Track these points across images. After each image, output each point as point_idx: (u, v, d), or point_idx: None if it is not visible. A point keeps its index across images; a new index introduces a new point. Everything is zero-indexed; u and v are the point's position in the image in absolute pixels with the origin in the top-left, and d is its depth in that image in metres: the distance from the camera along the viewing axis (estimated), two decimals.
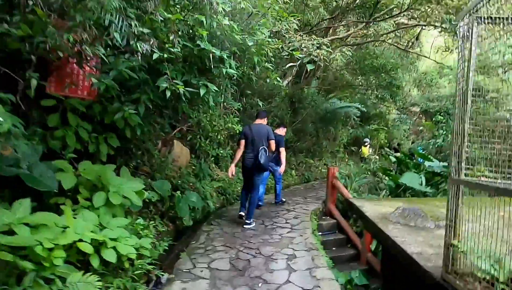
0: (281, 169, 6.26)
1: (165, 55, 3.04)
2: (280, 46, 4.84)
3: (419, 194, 7.41)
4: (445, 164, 8.67)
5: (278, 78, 4.40)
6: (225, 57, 3.45)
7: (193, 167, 7.37)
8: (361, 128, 18.50)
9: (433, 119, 13.74)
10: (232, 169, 5.48)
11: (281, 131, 7.04)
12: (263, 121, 5.53)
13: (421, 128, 12.03)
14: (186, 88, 3.35)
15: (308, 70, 5.59)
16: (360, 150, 14.17)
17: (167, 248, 3.94)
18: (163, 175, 5.89)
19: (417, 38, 19.52)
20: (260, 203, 6.44)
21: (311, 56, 5.20)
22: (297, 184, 10.88)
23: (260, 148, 5.00)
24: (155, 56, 2.98)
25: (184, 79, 3.55)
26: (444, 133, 11.57)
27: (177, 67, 3.56)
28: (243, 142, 5.29)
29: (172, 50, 3.11)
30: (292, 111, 12.59)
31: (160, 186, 4.58)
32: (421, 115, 24.71)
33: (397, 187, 7.35)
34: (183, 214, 4.61)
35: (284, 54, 5.42)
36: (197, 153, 8.09)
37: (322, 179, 12.14)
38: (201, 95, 3.39)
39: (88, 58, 3.15)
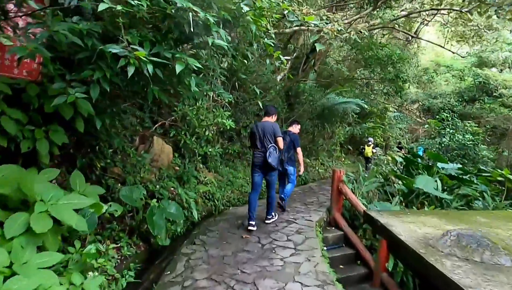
0: (301, 170, 6.08)
1: (120, 8, 2.01)
2: (288, 11, 3.82)
3: (434, 200, 6.53)
4: (460, 166, 7.82)
5: (281, 57, 3.48)
6: (211, 21, 2.43)
7: (177, 168, 6.34)
8: (358, 126, 17.72)
9: (437, 116, 12.94)
10: None
11: (295, 129, 6.43)
12: (271, 118, 5.20)
13: (426, 126, 11.15)
14: (156, 62, 2.32)
15: (317, 49, 4.59)
16: (363, 150, 13.23)
17: (133, 279, 2.92)
18: (137, 178, 4.85)
19: (415, 33, 18.78)
20: (284, 198, 6.15)
21: (321, 33, 4.24)
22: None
23: (269, 146, 4.78)
24: (101, 6, 1.95)
25: (155, 51, 2.52)
26: (451, 131, 10.76)
27: (143, 33, 2.54)
28: (251, 140, 5.17)
29: (133, 2, 2.08)
30: (288, 106, 11.62)
31: (128, 194, 3.55)
32: (418, 113, 24.05)
33: (410, 192, 6.45)
34: (158, 230, 3.60)
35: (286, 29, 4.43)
36: (182, 152, 7.05)
37: (320, 180, 11.18)
38: (177, 72, 2.37)
39: (10, 16, 2.10)
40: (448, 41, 15.26)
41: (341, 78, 11.48)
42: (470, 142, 10.18)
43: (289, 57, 12.46)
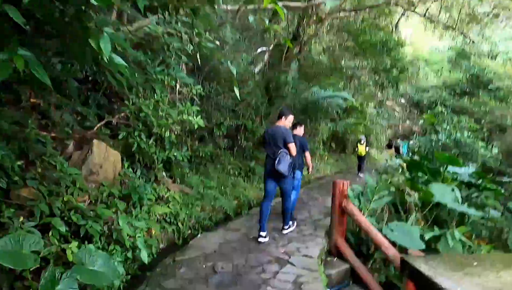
0: (309, 172, 5.88)
1: None
2: None
3: (452, 216, 5.34)
4: (473, 169, 6.69)
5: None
6: None
7: (127, 181, 4.76)
8: (341, 122, 16.63)
9: (429, 111, 11.94)
10: None
11: (299, 131, 5.85)
12: (282, 122, 4.87)
13: (421, 122, 10.06)
14: None
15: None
16: (356, 149, 12.82)
17: None
18: (56, 204, 3.25)
19: (396, 26, 17.87)
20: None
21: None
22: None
23: (279, 152, 4.52)
24: None
25: None
26: (448, 128, 9.72)
27: None
28: (264, 146, 4.97)
29: None
30: (268, 101, 10.19)
31: (12, 248, 2.01)
32: (405, 108, 23.38)
33: (422, 206, 5.21)
34: None
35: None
36: (137, 159, 5.46)
37: (306, 185, 9.84)
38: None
39: None
40: (433, 31, 14.37)
41: (327, 68, 10.19)
42: (469, 140, 9.17)
43: (265, 48, 11.09)
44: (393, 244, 3.94)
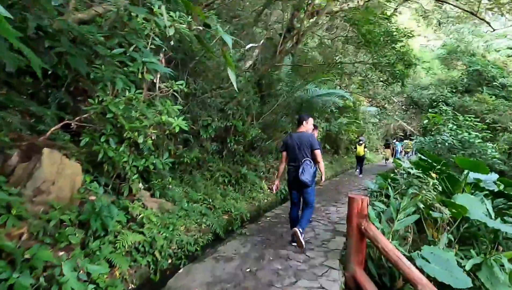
0: (322, 179, 5.00)
1: None
2: None
3: (482, 234, 4.53)
4: (497, 175, 5.92)
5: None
6: None
7: (91, 199, 3.76)
8: (335, 122, 15.90)
9: (430, 110, 11.22)
10: (277, 184, 4.88)
11: (304, 130, 4.99)
12: (305, 128, 4.67)
13: (425, 121, 9.31)
14: None
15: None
16: (354, 149, 12.73)
17: None
18: None
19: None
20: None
21: None
22: (272, 204, 7.60)
23: (304, 160, 4.30)
24: None
25: None
26: (454, 127, 8.98)
27: None
28: (284, 154, 4.67)
29: None
30: (260, 100, 9.27)
31: None
32: (390, 107, 22.84)
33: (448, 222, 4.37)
34: None
35: None
36: (105, 169, 4.45)
37: None
38: None
39: None
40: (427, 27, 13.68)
41: (324, 63, 9.33)
42: (478, 141, 8.45)
43: (256, 44, 10.17)
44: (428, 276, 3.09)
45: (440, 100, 11.20)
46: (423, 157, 5.76)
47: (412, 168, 4.93)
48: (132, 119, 4.38)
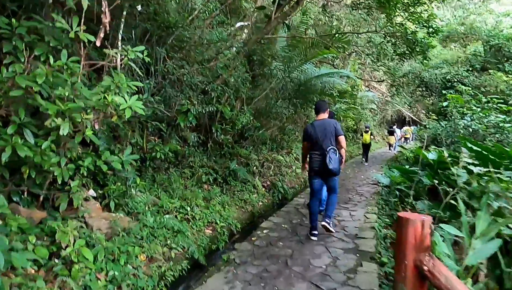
0: (342, 163, 4.62)
1: None
2: None
3: None
4: None
5: None
6: None
7: None
8: (332, 107, 14.53)
9: (444, 92, 9.90)
10: (306, 166, 4.65)
11: (325, 116, 4.70)
12: (326, 115, 4.54)
13: (445, 103, 7.97)
14: None
15: None
16: (360, 137, 12.62)
17: None
18: None
19: None
20: (321, 207, 4.98)
21: None
22: (268, 208, 6.23)
23: (328, 148, 4.17)
24: None
25: None
26: (478, 110, 7.68)
27: None
28: (306, 144, 4.53)
29: None
30: (251, 80, 7.80)
31: None
32: (412, 89, 21.68)
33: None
34: None
35: None
36: (27, 175, 2.98)
37: (305, 191, 7.56)
38: None
39: None
40: None
41: (327, 34, 7.86)
42: (509, 125, 7.17)
43: (246, 23, 8.68)
44: None
45: (456, 79, 9.90)
46: (469, 146, 4.39)
47: (472, 164, 3.56)
48: (63, 99, 2.91)
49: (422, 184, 6.69)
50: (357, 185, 8.17)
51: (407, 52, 7.15)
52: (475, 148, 4.30)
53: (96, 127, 3.22)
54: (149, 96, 5.20)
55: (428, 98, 12.11)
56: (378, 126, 26.51)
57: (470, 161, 3.46)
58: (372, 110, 22.27)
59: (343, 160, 4.65)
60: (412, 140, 23.42)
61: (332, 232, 4.26)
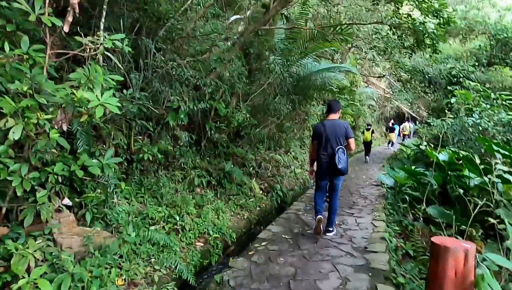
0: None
1: None
2: None
3: None
4: None
5: None
6: None
7: None
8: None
9: (449, 88, 9.48)
10: (313, 169, 4.64)
11: (336, 117, 4.60)
12: (337, 115, 4.50)
13: (453, 100, 7.53)
14: None
15: None
16: (362, 134, 12.34)
17: None
18: None
19: None
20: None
21: None
22: (266, 214, 5.78)
23: (337, 148, 4.19)
24: None
25: None
26: (487, 107, 7.25)
27: None
28: (315, 143, 4.50)
29: None
30: (248, 75, 7.31)
31: None
32: (384, 85, 21.25)
33: None
34: None
35: None
36: None
37: (305, 194, 7.09)
38: None
39: None
40: None
41: (329, 26, 7.37)
42: None
43: (241, 16, 8.16)
44: None
45: (462, 75, 9.46)
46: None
47: (508, 172, 3.10)
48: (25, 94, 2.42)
49: (431, 187, 6.28)
50: (360, 186, 7.73)
51: (415, 44, 6.69)
52: (502, 151, 3.84)
53: (64, 127, 2.73)
54: (136, 92, 4.71)
55: (431, 95, 11.67)
56: (376, 123, 26.12)
57: (505, 168, 2.99)
58: (370, 107, 21.84)
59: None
60: (410, 137, 23.08)
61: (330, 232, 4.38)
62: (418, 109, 19.08)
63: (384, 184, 7.71)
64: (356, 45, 11.65)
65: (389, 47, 8.10)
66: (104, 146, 4.40)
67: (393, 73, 13.16)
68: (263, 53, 7.44)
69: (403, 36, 6.78)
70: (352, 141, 4.36)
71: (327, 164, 4.23)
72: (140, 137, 5.12)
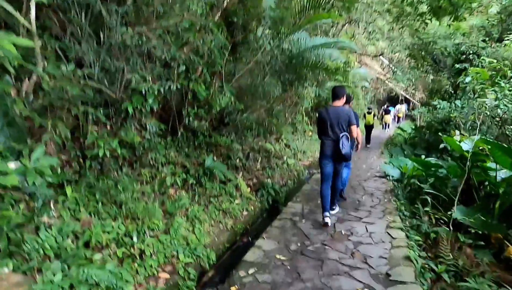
0: (358, 149, 5.05)
1: None
2: None
3: None
4: None
5: None
6: None
7: None
8: (325, 86, 13.10)
9: (457, 66, 8.51)
10: None
11: (340, 104, 4.68)
12: (342, 102, 4.47)
13: (467, 79, 6.56)
14: None
15: None
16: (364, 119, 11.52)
17: None
18: None
19: None
20: (342, 187, 5.39)
21: None
22: (255, 219, 4.81)
23: (341, 135, 4.23)
24: None
25: None
26: (508, 86, 6.33)
27: None
28: (318, 127, 4.52)
29: None
30: (231, 50, 6.20)
31: None
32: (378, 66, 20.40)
33: None
34: None
35: None
36: None
37: (300, 187, 6.11)
38: None
39: None
40: None
41: None
42: None
43: None
44: None
45: (472, 51, 8.51)
46: None
47: None
48: None
49: (449, 180, 5.38)
50: (362, 179, 6.79)
51: (432, 11, 5.65)
52: None
53: None
54: (96, 71, 3.62)
55: (432, 75, 10.72)
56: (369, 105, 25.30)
57: None
58: (363, 89, 20.90)
59: (359, 145, 4.94)
60: (403, 119, 22.39)
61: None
62: (413, 91, 18.19)
63: (389, 176, 6.80)
64: (353, 19, 10.53)
65: (405, 13, 7.01)
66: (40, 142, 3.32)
67: (393, 51, 12.08)
68: (250, 24, 6.30)
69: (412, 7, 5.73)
70: (354, 128, 4.36)
71: (331, 150, 4.27)
72: (96, 128, 4.04)
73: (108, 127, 4.17)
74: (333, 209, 4.68)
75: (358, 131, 5.03)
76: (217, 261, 3.38)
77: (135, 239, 2.98)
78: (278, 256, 3.22)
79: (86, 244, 2.80)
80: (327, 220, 4.21)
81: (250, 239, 4.05)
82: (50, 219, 2.82)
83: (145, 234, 3.13)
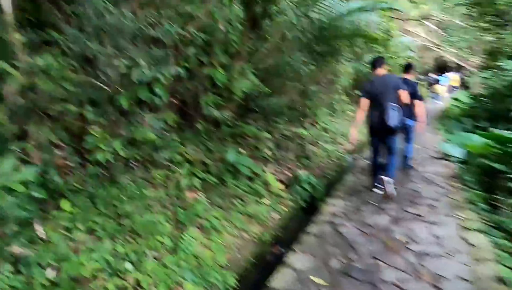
0: (420, 127, 4.88)
1: None
2: None
3: None
4: None
5: None
6: None
7: None
8: (361, 60, 11.96)
9: None
10: (354, 134, 4.39)
11: (411, 75, 5.15)
12: (383, 70, 4.26)
13: None
14: None
15: None
16: None
17: None
18: None
19: None
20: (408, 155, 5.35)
21: None
22: (287, 224, 4.06)
23: (388, 104, 3.88)
24: None
25: None
26: None
27: None
28: (363, 101, 4.15)
29: None
30: (251, 26, 5.39)
31: None
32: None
33: None
34: None
35: None
36: None
37: (341, 178, 5.22)
38: None
39: None
40: None
41: None
42: None
43: None
44: None
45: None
46: None
47: None
48: None
49: None
50: (417, 162, 5.70)
51: None
52: None
53: None
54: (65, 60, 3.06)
55: (494, 32, 9.07)
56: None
57: None
58: (407, 59, 19.04)
59: (421, 119, 4.69)
60: (457, 88, 20.23)
61: (389, 195, 4.03)
62: (468, 56, 16.09)
63: (450, 156, 5.68)
64: None
65: None
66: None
67: (443, 11, 10.49)
68: None
69: None
70: (402, 92, 3.98)
71: (377, 121, 3.98)
72: (98, 128, 3.51)
73: (109, 126, 3.64)
74: (388, 178, 4.16)
75: (421, 106, 4.69)
76: (238, 284, 2.69)
77: (129, 266, 2.38)
78: (314, 279, 2.46)
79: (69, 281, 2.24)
80: (377, 190, 4.12)
81: (282, 250, 3.31)
82: (23, 249, 2.30)
83: (144, 257, 2.52)
